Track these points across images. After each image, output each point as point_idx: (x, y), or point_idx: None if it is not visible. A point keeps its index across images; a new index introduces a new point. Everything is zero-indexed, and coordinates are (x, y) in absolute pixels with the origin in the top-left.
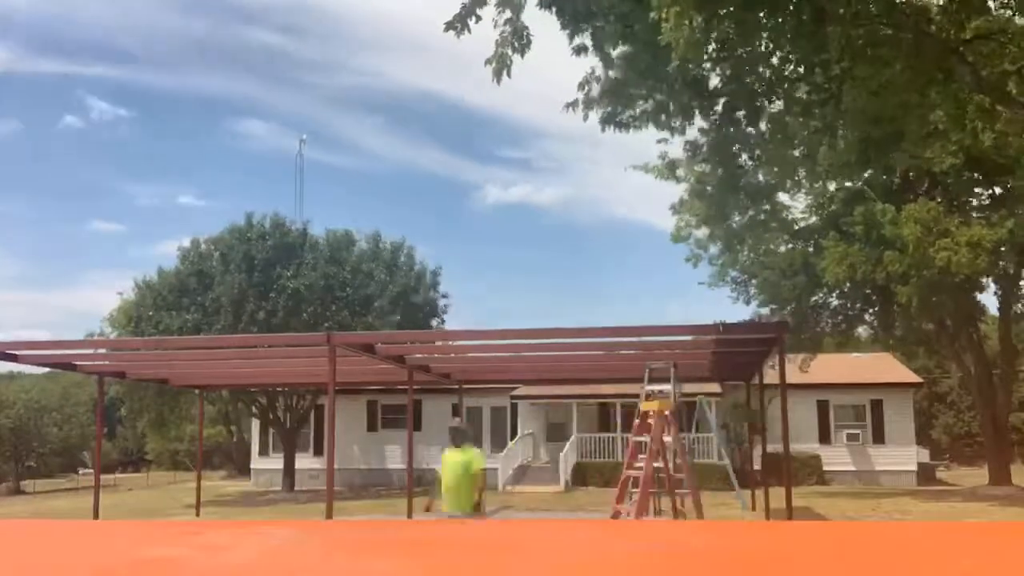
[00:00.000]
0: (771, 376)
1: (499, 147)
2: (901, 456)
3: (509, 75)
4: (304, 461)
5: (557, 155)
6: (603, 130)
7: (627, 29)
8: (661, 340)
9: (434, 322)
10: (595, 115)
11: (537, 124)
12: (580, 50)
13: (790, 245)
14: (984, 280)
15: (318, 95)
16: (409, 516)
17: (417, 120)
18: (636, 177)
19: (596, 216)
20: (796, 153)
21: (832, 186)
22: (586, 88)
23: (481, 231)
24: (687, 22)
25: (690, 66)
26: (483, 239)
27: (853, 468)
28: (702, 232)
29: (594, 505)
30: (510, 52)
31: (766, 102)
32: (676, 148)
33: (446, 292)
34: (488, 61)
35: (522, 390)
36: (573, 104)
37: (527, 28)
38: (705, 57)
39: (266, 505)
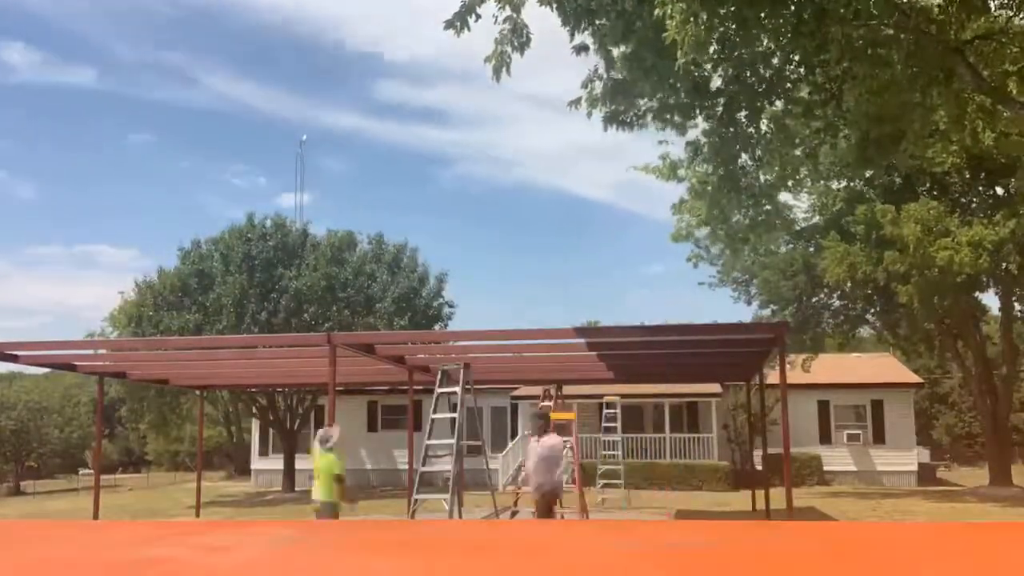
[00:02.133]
0: (772, 376)
1: (370, 84)
2: (902, 456)
3: (509, 73)
4: (304, 462)
5: (447, 100)
6: (606, 129)
7: (629, 27)
8: (662, 340)
9: (437, 327)
10: (599, 113)
11: (418, 59)
12: (581, 49)
13: (790, 245)
14: (985, 280)
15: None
16: (412, 516)
17: (252, 48)
18: (553, 135)
19: (508, 176)
20: (798, 152)
21: (834, 185)
22: (589, 87)
23: (338, 187)
24: (692, 19)
25: (692, 67)
26: (341, 198)
27: (854, 468)
28: (701, 233)
29: (593, 505)
30: (509, 50)
31: (767, 102)
32: (675, 148)
33: (452, 301)
34: (487, 59)
35: (522, 390)
36: (576, 102)
37: (527, 26)
38: (706, 57)
39: (267, 506)
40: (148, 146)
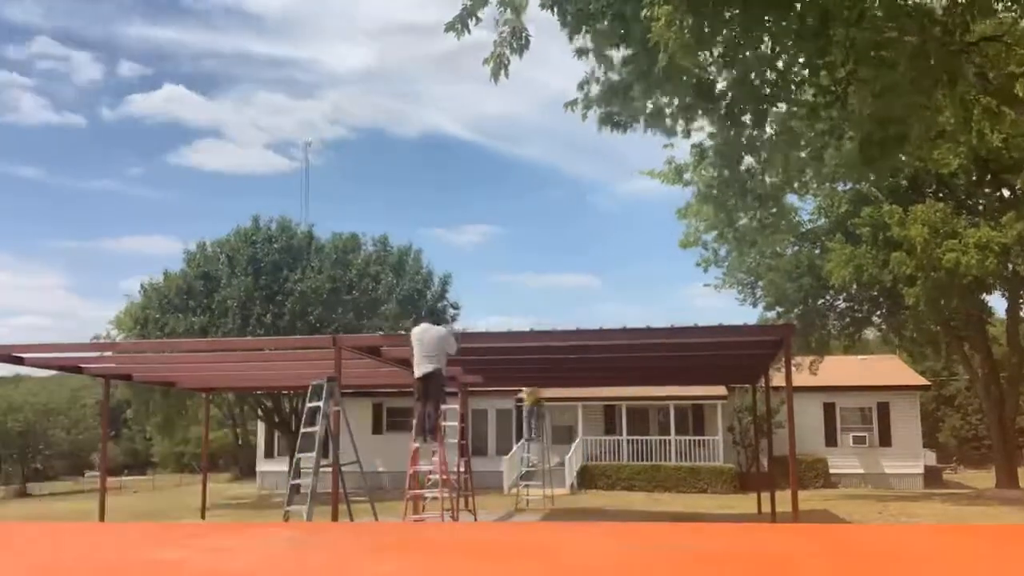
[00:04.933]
0: (778, 379)
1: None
2: (908, 459)
3: (507, 75)
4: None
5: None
6: (599, 130)
7: (622, 30)
8: (668, 342)
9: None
10: (593, 115)
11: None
12: (582, 52)
13: (796, 247)
14: (992, 281)
15: None
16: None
17: None
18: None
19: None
20: (803, 155)
21: (840, 188)
22: (585, 88)
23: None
24: (678, 22)
25: (677, 70)
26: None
27: (860, 471)
28: (708, 236)
29: (593, 508)
30: (507, 52)
31: (771, 104)
32: (679, 151)
33: (457, 303)
34: (486, 61)
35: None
36: (572, 103)
37: (526, 29)
38: (709, 60)
39: (273, 508)
40: None
